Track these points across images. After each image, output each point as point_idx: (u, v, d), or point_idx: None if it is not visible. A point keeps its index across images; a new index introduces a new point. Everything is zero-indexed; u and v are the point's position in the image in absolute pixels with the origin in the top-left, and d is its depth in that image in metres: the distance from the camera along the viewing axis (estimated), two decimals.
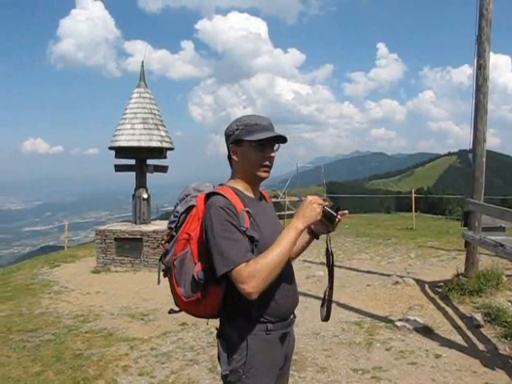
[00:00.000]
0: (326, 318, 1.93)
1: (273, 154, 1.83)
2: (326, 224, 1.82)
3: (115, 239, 9.56)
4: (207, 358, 4.44)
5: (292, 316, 1.89)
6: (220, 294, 1.72)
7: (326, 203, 1.79)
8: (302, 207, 1.74)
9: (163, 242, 1.92)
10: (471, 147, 6.27)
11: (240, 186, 1.84)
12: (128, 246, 9.53)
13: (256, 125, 1.80)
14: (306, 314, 5.54)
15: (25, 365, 4.48)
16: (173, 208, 1.94)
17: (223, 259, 1.62)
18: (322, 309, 1.94)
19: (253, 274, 1.58)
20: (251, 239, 1.70)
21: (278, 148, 1.86)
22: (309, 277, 7.77)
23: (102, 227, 10.10)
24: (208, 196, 1.76)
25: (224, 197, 1.71)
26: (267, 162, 1.82)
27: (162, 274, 1.94)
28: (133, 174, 10.31)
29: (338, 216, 1.78)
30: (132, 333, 5.39)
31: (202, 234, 1.72)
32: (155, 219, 11.63)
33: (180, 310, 1.91)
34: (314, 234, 1.99)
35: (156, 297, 7.00)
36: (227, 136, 1.85)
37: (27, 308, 6.67)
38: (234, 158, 1.83)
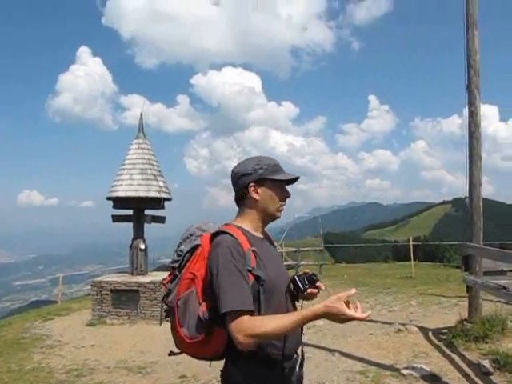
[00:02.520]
0: None
1: (290, 194, 1.90)
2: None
3: (111, 290, 9.37)
4: None
5: (295, 356, 1.85)
6: (225, 334, 1.69)
7: (306, 271, 1.88)
8: (334, 308, 1.57)
9: (165, 281, 1.89)
10: (467, 192, 6.35)
11: (247, 225, 1.84)
12: (124, 298, 9.33)
13: (276, 165, 1.86)
14: (309, 363, 5.37)
15: None
16: (174, 251, 1.91)
17: (228, 299, 1.60)
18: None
19: (253, 331, 1.57)
20: (257, 278, 1.69)
21: None
22: (309, 327, 7.60)
23: (98, 278, 9.94)
24: (215, 235, 1.76)
25: (232, 236, 1.71)
26: (284, 202, 1.89)
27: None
28: (129, 226, 10.26)
29: (308, 290, 1.84)
30: None
31: (208, 273, 1.71)
32: (152, 271, 11.47)
33: (180, 352, 1.86)
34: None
35: (154, 349, 6.80)
36: (243, 175, 1.83)
37: (17, 364, 6.44)
38: (255, 196, 1.83)
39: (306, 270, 1.88)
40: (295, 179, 1.89)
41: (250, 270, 1.68)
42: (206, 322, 1.67)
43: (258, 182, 1.83)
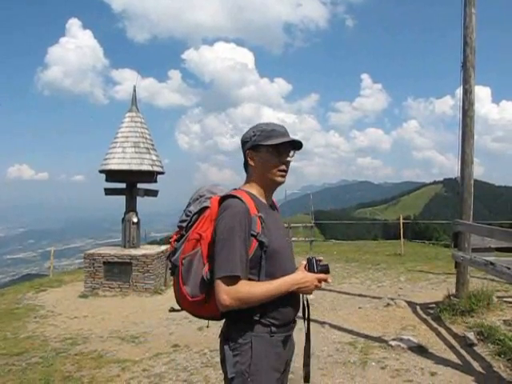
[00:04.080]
0: (306, 379, 1.96)
1: (289, 159, 1.88)
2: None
3: (104, 263, 9.41)
4: (201, 379, 4.36)
5: (293, 322, 1.91)
6: None
7: (321, 258, 1.87)
8: (306, 278, 1.79)
9: (171, 240, 1.94)
10: (459, 169, 6.40)
11: (255, 191, 1.87)
12: (117, 270, 9.38)
13: (272, 131, 1.85)
14: (300, 335, 5.50)
15: None
16: (183, 211, 1.96)
17: (225, 262, 1.66)
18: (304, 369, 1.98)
19: (240, 295, 1.65)
20: (261, 244, 1.73)
21: (294, 154, 1.91)
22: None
23: (91, 251, 9.97)
24: (224, 198, 1.79)
25: (241, 200, 1.75)
26: (283, 167, 1.87)
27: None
28: (121, 201, 10.26)
29: (318, 274, 1.82)
30: (123, 355, 5.28)
31: (213, 235, 1.75)
32: (144, 244, 11.51)
33: (181, 310, 1.93)
34: None
35: (146, 320, 6.90)
36: (244, 143, 1.89)
37: (12, 332, 6.51)
38: (251, 163, 1.87)
39: (321, 258, 1.87)
40: (293, 142, 1.87)
41: (254, 235, 1.72)
42: (209, 282, 1.72)
43: (254, 149, 1.86)
